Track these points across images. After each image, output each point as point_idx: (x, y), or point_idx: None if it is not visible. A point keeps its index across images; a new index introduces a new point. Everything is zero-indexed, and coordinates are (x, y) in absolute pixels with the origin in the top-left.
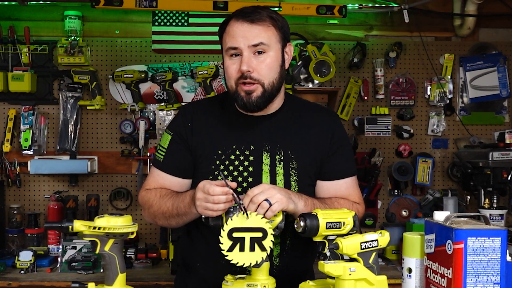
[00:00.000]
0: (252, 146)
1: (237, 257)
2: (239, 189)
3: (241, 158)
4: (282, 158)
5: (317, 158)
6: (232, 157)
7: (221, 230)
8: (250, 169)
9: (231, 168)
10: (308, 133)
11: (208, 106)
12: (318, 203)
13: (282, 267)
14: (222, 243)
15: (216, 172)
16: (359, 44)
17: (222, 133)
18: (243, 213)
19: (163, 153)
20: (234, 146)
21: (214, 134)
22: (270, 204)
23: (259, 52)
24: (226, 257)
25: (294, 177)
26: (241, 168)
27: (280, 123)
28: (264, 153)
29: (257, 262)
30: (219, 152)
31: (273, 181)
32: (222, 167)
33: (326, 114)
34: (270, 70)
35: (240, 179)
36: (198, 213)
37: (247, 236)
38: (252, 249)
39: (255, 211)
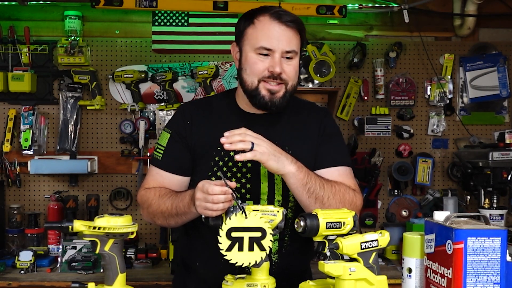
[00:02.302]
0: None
1: (236, 257)
2: (238, 185)
3: None
4: None
5: (312, 153)
6: (232, 153)
7: (220, 230)
8: (249, 165)
9: (230, 164)
10: (302, 130)
11: (207, 104)
12: (314, 175)
13: (281, 264)
14: (220, 243)
15: (215, 169)
16: (359, 44)
17: (222, 130)
18: (242, 213)
19: (162, 152)
20: None
21: (213, 132)
22: (252, 148)
23: (287, 56)
24: (225, 257)
25: None
26: (240, 164)
27: (277, 120)
28: None
29: (256, 262)
30: (218, 148)
31: (271, 177)
32: (221, 163)
33: (318, 110)
34: (295, 73)
35: (239, 175)
36: (198, 213)
37: (246, 235)
38: (251, 248)
39: (235, 145)
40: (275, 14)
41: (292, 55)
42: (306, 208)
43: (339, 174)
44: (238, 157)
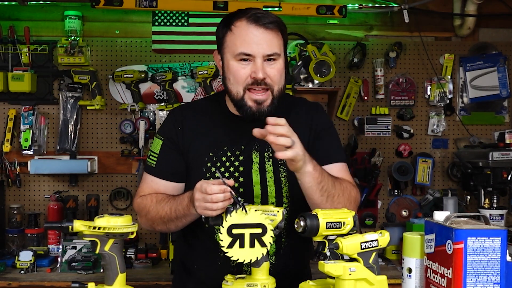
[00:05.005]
0: (242, 146)
1: (237, 254)
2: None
3: (232, 158)
4: (270, 154)
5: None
6: (224, 158)
7: (221, 227)
8: (241, 169)
9: (222, 169)
10: (294, 130)
11: (197, 108)
12: (326, 174)
13: (279, 265)
14: (222, 240)
15: (207, 175)
16: (359, 44)
17: (213, 135)
18: (242, 210)
19: (155, 159)
20: (226, 148)
21: (205, 137)
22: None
23: (270, 59)
24: (226, 254)
25: (284, 173)
26: (232, 169)
27: None
28: (254, 152)
29: (257, 258)
30: (210, 154)
31: (263, 179)
32: (213, 169)
33: (309, 105)
34: (280, 76)
35: (231, 179)
36: (198, 214)
37: (247, 232)
38: (252, 245)
39: (278, 139)
40: (252, 17)
41: (274, 57)
42: (316, 206)
43: (338, 170)
44: (280, 155)
